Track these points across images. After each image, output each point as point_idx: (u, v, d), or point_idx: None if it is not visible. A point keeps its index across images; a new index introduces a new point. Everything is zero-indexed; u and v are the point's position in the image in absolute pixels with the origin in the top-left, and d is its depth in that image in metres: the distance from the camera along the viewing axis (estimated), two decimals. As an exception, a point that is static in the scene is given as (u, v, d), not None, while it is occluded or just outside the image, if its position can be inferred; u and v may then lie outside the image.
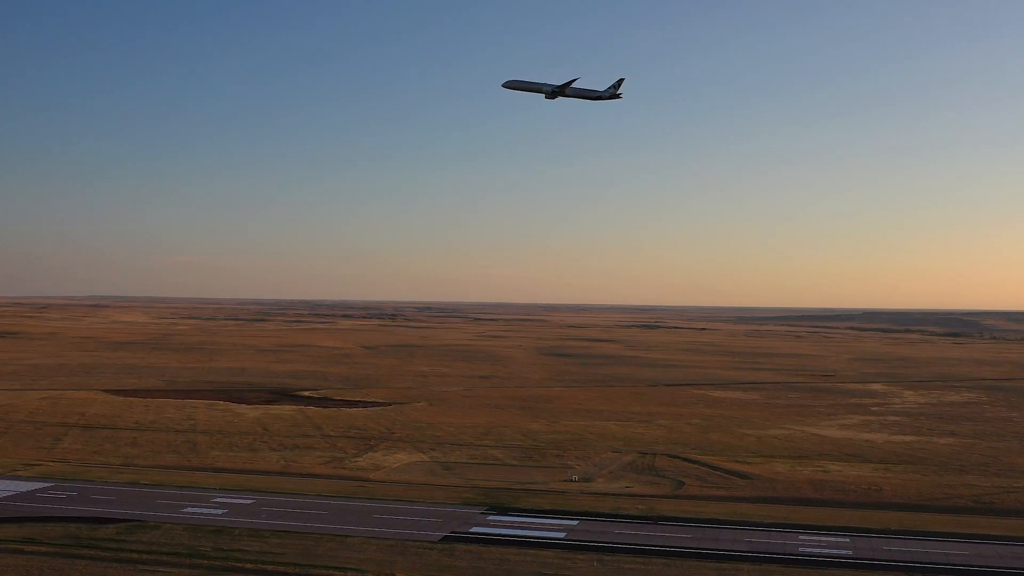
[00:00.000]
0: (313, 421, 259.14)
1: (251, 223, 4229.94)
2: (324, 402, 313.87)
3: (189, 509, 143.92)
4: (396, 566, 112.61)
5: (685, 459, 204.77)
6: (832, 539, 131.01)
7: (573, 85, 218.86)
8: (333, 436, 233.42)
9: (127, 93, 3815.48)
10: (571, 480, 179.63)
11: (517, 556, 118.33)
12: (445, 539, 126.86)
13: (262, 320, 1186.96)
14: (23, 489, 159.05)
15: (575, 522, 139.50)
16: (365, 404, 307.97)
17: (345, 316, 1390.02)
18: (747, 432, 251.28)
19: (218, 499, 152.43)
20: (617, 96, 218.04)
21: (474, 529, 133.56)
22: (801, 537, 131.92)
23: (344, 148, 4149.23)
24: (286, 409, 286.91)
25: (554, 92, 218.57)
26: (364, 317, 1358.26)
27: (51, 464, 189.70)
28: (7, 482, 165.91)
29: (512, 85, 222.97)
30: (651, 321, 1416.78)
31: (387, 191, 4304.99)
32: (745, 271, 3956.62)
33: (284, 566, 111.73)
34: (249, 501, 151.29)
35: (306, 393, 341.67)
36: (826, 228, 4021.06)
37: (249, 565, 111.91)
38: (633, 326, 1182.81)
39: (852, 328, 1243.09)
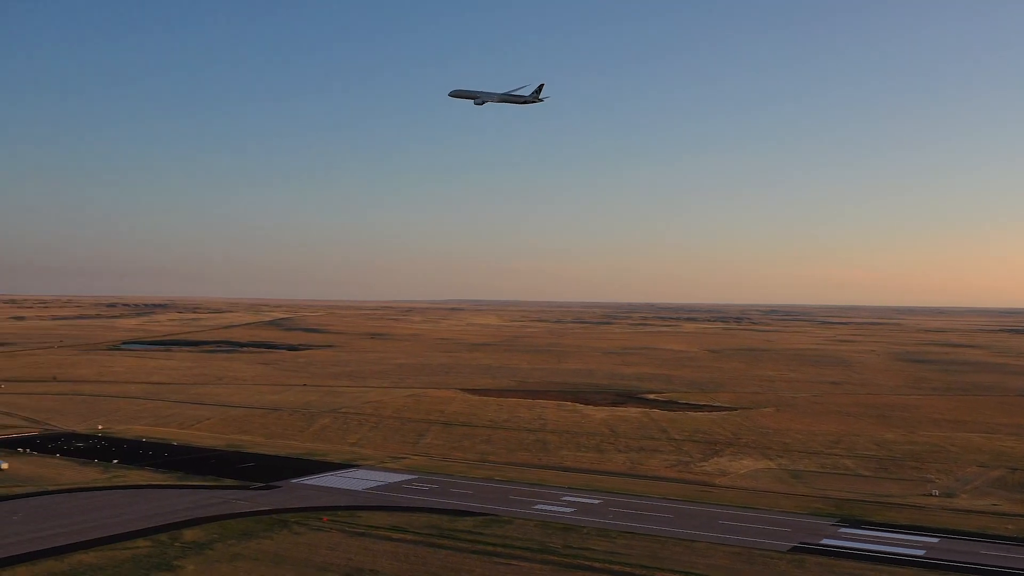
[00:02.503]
0: (659, 424, 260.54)
1: (601, 228, 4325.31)
2: (670, 405, 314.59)
3: (540, 506, 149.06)
4: (743, 574, 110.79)
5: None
6: None
7: (504, 92, 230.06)
8: (679, 439, 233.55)
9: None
10: (931, 495, 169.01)
11: (872, 572, 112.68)
12: (794, 550, 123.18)
13: (607, 323, 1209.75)
14: (392, 480, 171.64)
15: (935, 539, 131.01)
16: (711, 408, 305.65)
17: (689, 319, 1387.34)
18: None
19: (567, 497, 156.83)
20: (539, 100, 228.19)
21: (825, 541, 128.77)
22: None
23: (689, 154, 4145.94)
24: (632, 411, 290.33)
25: (483, 100, 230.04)
26: (708, 320, 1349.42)
27: (415, 458, 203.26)
28: (378, 472, 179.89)
29: (456, 94, 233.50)
30: (1021, 325, 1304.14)
31: (732, 194, 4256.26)
32: None
33: (631, 567, 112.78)
34: (596, 501, 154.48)
35: (651, 395, 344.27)
36: None
37: (597, 564, 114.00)
38: (1000, 330, 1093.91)
39: None
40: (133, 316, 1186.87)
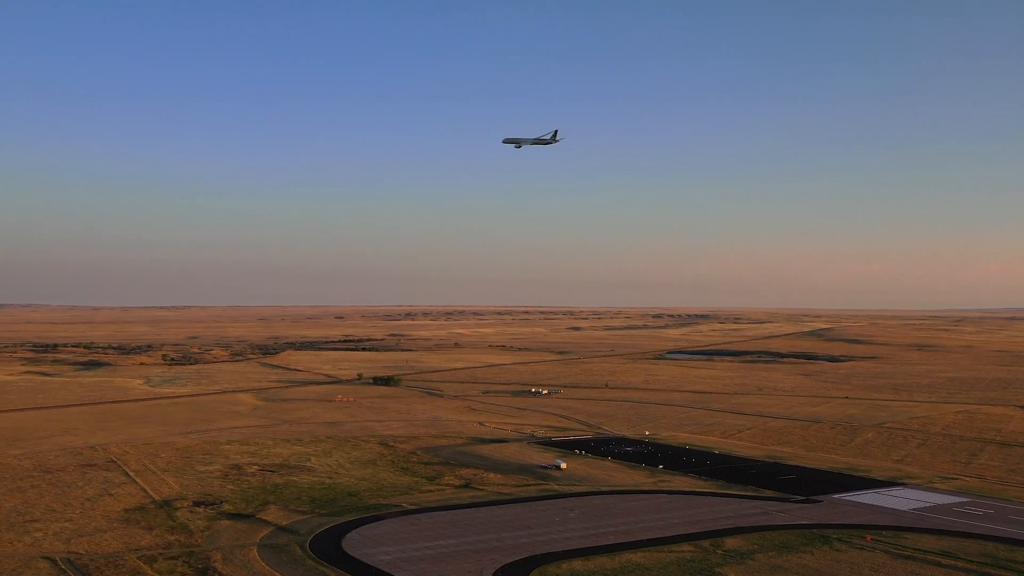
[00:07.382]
0: None
1: None
2: None
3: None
4: None
5: None
6: None
7: (535, 138, 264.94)
8: None
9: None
10: None
11: None
12: None
13: None
14: (940, 502, 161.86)
15: None
16: None
17: None
18: None
19: None
20: (557, 141, 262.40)
21: None
22: None
23: None
24: None
25: (521, 144, 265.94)
26: None
27: (967, 479, 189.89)
28: (925, 493, 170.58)
29: (507, 140, 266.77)
30: None
31: None
32: None
33: None
34: None
35: None
36: None
37: None
38: None
39: None
40: (677, 326, 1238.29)
